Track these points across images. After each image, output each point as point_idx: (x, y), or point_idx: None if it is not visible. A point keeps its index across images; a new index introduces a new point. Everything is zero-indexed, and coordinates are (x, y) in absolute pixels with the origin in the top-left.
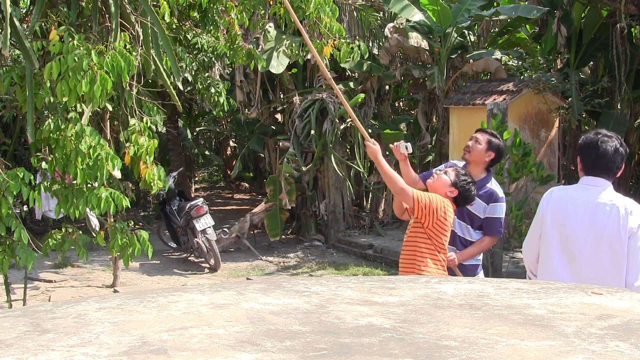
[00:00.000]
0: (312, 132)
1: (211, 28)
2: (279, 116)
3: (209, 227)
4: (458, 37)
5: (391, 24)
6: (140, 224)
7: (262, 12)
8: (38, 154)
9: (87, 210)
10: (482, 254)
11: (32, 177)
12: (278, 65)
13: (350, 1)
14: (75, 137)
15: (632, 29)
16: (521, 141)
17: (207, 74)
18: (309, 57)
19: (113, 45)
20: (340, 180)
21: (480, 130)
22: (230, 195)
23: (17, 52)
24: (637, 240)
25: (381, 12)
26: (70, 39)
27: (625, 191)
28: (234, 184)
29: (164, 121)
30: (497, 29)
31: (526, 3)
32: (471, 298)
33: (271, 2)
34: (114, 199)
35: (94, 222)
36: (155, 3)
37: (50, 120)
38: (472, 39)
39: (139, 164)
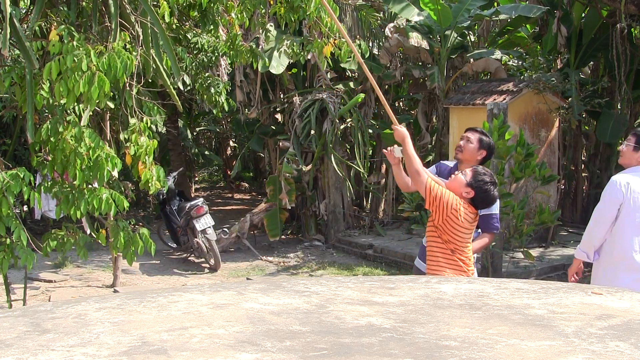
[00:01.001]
0: (312, 132)
1: (211, 27)
2: (279, 116)
3: (209, 227)
4: (458, 37)
5: (391, 24)
6: (140, 223)
7: (263, 11)
8: (38, 154)
9: None
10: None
11: (32, 178)
12: (278, 65)
13: (350, 1)
14: (74, 140)
15: (632, 29)
16: (525, 141)
17: (207, 74)
18: (309, 57)
19: (111, 46)
20: (340, 180)
21: (470, 129)
22: (230, 195)
23: (17, 52)
24: None
25: (381, 12)
26: (70, 39)
27: None
28: (234, 184)
29: (164, 121)
30: (497, 29)
31: (526, 3)
32: (471, 298)
33: (271, 2)
34: (114, 200)
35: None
36: (155, 3)
37: (48, 123)
38: (472, 39)
39: (138, 163)
